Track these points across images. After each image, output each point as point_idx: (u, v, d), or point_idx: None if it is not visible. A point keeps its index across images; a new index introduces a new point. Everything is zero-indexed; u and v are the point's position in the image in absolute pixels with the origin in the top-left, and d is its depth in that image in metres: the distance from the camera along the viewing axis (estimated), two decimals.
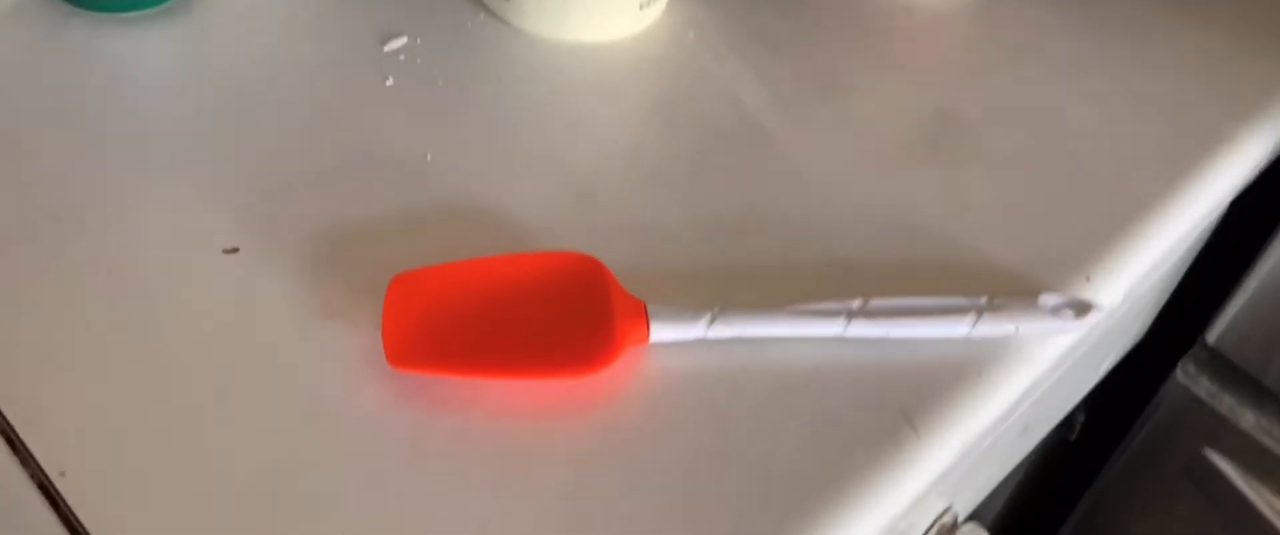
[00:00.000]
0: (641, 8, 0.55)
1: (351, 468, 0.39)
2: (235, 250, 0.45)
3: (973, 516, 0.97)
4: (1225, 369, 0.72)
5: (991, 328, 0.44)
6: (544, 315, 0.43)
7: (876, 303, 0.44)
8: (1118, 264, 0.48)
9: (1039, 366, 0.45)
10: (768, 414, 0.42)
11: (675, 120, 0.53)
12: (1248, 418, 0.71)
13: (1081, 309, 0.45)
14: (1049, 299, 0.45)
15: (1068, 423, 0.84)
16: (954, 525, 0.56)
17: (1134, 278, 0.49)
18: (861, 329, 0.43)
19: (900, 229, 0.49)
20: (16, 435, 0.38)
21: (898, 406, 0.42)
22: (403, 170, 0.49)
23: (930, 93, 0.55)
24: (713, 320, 0.43)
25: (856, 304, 0.44)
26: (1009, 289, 0.46)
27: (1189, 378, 0.73)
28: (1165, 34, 0.60)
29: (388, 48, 0.54)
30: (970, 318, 0.44)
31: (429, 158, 0.49)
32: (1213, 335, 0.71)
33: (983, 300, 0.44)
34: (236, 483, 0.38)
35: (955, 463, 0.43)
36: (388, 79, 0.52)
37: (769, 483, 0.39)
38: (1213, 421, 0.72)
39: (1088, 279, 0.47)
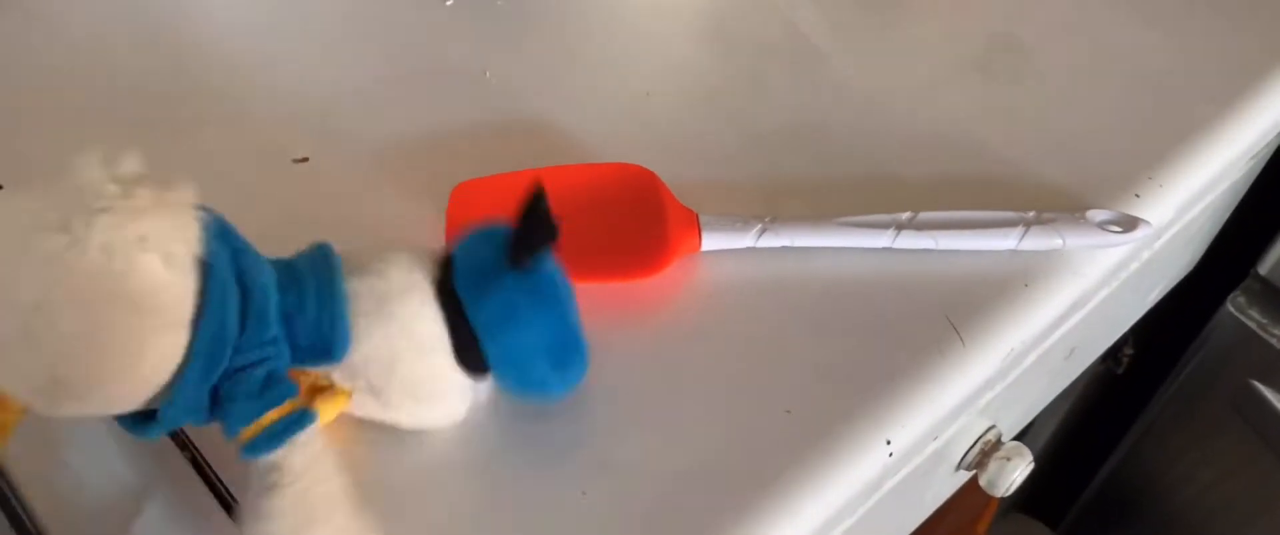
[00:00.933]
0: None
1: None
2: (305, 159, 0.47)
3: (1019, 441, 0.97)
4: (1276, 301, 0.71)
5: (1039, 241, 0.44)
6: (600, 223, 0.44)
7: (925, 215, 0.45)
8: (1168, 183, 0.49)
9: (1086, 281, 0.46)
10: (815, 319, 0.43)
11: (729, 39, 0.54)
12: None
13: (1130, 224, 0.45)
14: (1097, 214, 0.46)
15: (1115, 355, 0.84)
16: (998, 442, 0.57)
17: (1185, 198, 0.50)
18: (909, 241, 0.44)
19: (951, 146, 0.49)
20: None
21: (943, 315, 0.43)
22: (463, 86, 0.50)
23: (984, 14, 0.56)
24: (763, 230, 0.44)
25: (905, 216, 0.45)
26: (1058, 205, 0.47)
27: (1239, 309, 0.73)
28: None
29: None
30: (1018, 231, 0.44)
31: (488, 75, 0.50)
32: (1265, 267, 0.70)
33: (1031, 214, 0.45)
34: None
35: (998, 374, 0.44)
36: (448, 0, 0.54)
37: (817, 384, 0.41)
38: (1262, 353, 0.72)
39: (1137, 196, 0.48)
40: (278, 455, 0.31)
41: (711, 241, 0.44)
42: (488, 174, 0.46)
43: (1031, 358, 0.53)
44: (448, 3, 0.53)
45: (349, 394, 0.35)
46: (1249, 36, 0.55)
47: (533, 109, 0.49)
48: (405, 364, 0.34)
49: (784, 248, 0.44)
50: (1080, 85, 0.52)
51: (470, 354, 0.35)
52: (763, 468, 0.39)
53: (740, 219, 0.45)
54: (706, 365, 0.41)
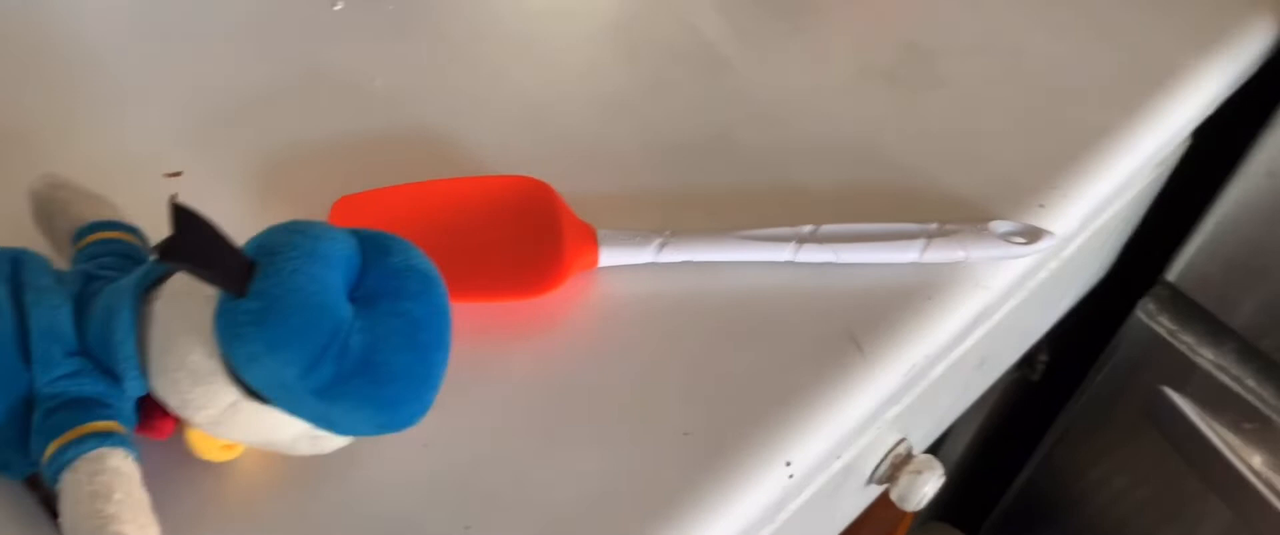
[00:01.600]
0: None
1: None
2: (178, 174, 0.44)
3: (934, 453, 0.98)
4: (1185, 307, 0.72)
5: (942, 253, 0.44)
6: (491, 239, 0.43)
7: (827, 228, 0.44)
8: (1073, 193, 0.48)
9: (990, 293, 0.45)
10: (715, 337, 0.41)
11: (631, 46, 0.52)
12: (1206, 356, 0.71)
13: (1033, 235, 0.45)
14: (1000, 226, 0.45)
15: (1030, 362, 0.85)
16: (908, 456, 0.56)
17: (1090, 207, 0.49)
18: (811, 254, 0.43)
19: (856, 157, 0.48)
20: None
21: (846, 329, 0.42)
22: (351, 95, 0.48)
23: (890, 23, 0.55)
24: (663, 245, 0.43)
25: (807, 229, 0.44)
26: (963, 216, 0.46)
27: (1149, 316, 0.73)
28: None
29: None
30: (920, 243, 0.44)
31: (378, 82, 0.48)
32: (1173, 273, 0.71)
33: (933, 226, 0.44)
34: None
35: (902, 388, 0.43)
36: (337, 4, 0.51)
37: (715, 403, 0.39)
38: (1172, 360, 0.73)
39: (1042, 206, 0.47)
40: (62, 481, 0.31)
41: (609, 257, 0.43)
42: (375, 187, 0.44)
43: (939, 370, 0.53)
44: (336, 6, 0.51)
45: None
46: (1150, 46, 0.55)
47: (424, 118, 0.47)
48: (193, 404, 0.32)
49: (684, 263, 0.43)
50: (985, 95, 0.52)
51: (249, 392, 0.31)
52: (659, 494, 0.37)
53: (640, 233, 0.43)
54: (602, 387, 0.40)
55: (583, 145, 0.47)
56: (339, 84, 0.48)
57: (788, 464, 0.39)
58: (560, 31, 0.52)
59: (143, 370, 0.32)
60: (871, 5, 0.56)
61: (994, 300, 0.45)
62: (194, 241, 0.29)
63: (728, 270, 0.43)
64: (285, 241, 0.30)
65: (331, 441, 0.33)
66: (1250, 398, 0.70)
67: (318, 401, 0.30)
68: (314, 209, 0.42)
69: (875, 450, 0.55)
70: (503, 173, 0.45)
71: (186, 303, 0.30)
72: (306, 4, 0.51)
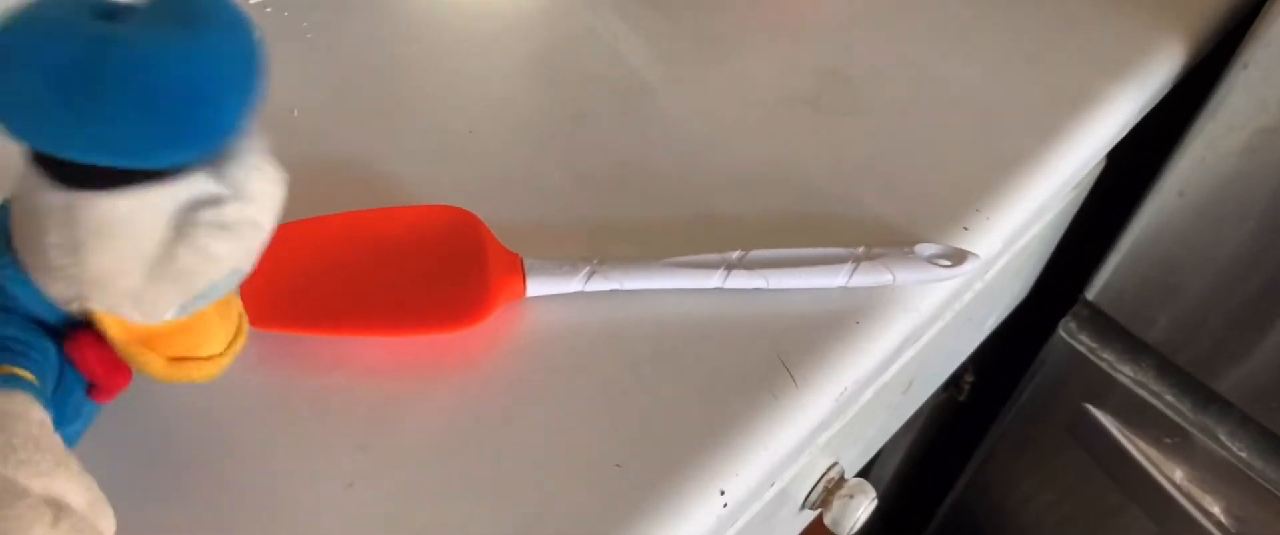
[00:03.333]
0: None
1: (212, 430, 0.37)
2: None
3: (865, 476, 0.98)
4: (1105, 325, 0.73)
5: (869, 277, 0.44)
6: (415, 271, 0.42)
7: (755, 254, 0.44)
8: (994, 216, 0.49)
9: (918, 315, 0.45)
10: (646, 366, 0.41)
11: (555, 75, 0.52)
12: (1126, 372, 0.72)
13: (958, 257, 0.45)
14: (926, 249, 0.45)
15: (957, 383, 0.86)
16: (841, 480, 0.56)
17: (1011, 229, 0.50)
18: (740, 280, 0.43)
19: (781, 183, 0.48)
20: None
21: (776, 356, 0.42)
22: (267, 125, 0.46)
23: (812, 51, 0.55)
24: (591, 274, 0.42)
25: (735, 256, 0.44)
26: (887, 240, 0.46)
27: (1071, 334, 0.74)
28: None
29: (253, 1, 0.51)
30: (847, 267, 0.44)
31: (296, 112, 0.47)
32: (1092, 292, 0.72)
33: (860, 250, 0.45)
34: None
35: (834, 413, 0.43)
36: None
37: (647, 435, 0.39)
38: (1094, 377, 0.74)
39: (965, 229, 0.48)
40: None
41: (536, 287, 0.42)
42: (294, 219, 0.43)
43: (868, 394, 0.53)
44: None
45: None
46: (1064, 72, 0.56)
47: (345, 148, 0.46)
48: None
49: (613, 291, 0.43)
50: (908, 120, 0.52)
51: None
52: (593, 527, 0.37)
53: (567, 262, 0.43)
54: (531, 420, 0.39)
55: (508, 175, 0.47)
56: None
57: (722, 493, 0.38)
58: (484, 60, 0.52)
59: (29, 278, 0.30)
60: (795, 33, 0.56)
61: (922, 322, 0.46)
62: None
63: (657, 299, 0.43)
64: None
65: (209, 241, 0.30)
66: (1169, 412, 0.71)
67: (73, 119, 0.26)
68: None
69: (808, 475, 0.55)
70: (427, 203, 0.44)
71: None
72: None
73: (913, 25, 0.57)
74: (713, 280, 0.43)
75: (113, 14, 0.27)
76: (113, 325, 0.31)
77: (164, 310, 0.30)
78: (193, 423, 0.37)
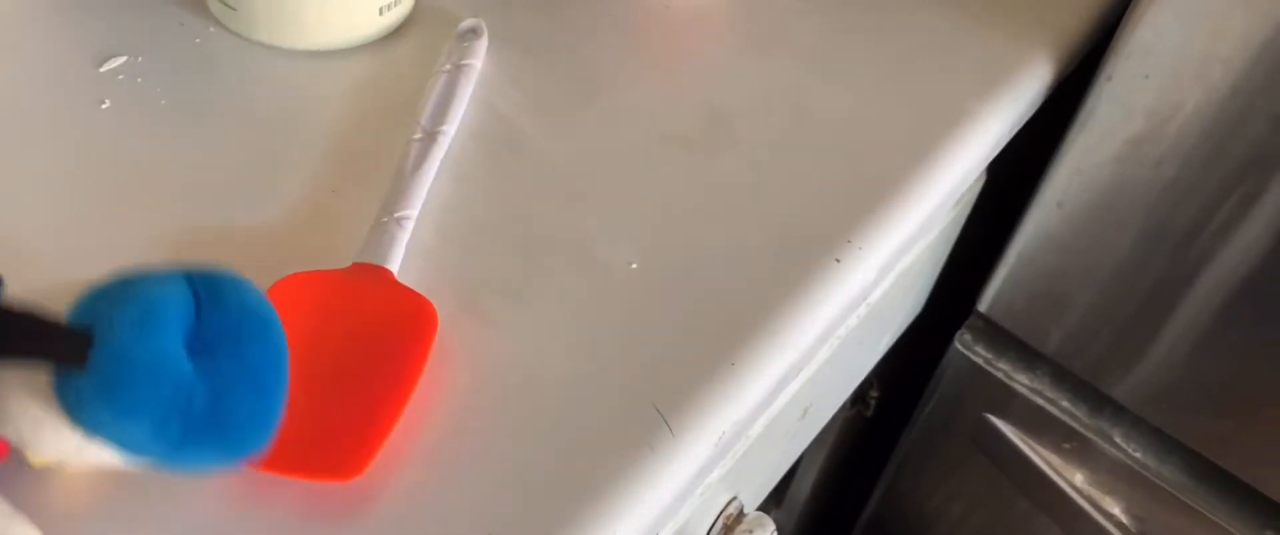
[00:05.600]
0: (382, 12, 0.53)
1: None
2: None
3: (779, 498, 0.98)
4: (999, 336, 0.74)
5: None
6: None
7: None
8: (867, 245, 0.49)
9: (794, 352, 0.45)
10: (516, 424, 0.40)
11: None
12: (1022, 381, 0.73)
13: None
14: None
15: (862, 399, 0.86)
16: (739, 516, 0.56)
17: (886, 257, 0.50)
18: None
19: (658, 224, 0.48)
20: None
21: (651, 404, 0.41)
22: (119, 196, 0.45)
23: (688, 87, 0.55)
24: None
25: None
26: (764, 278, 0.46)
27: (966, 347, 0.75)
28: (909, 16, 0.61)
29: (104, 68, 0.50)
30: None
31: (147, 181, 0.46)
32: (984, 304, 0.73)
33: None
34: None
35: (715, 457, 0.43)
36: (104, 102, 0.49)
37: (524, 501, 0.38)
38: (992, 388, 0.75)
39: (837, 261, 0.48)
40: None
41: None
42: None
43: (759, 427, 0.53)
44: (104, 105, 0.49)
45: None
46: (934, 94, 0.56)
47: (201, 217, 0.45)
48: None
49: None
50: (780, 153, 0.52)
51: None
52: None
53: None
54: (394, 492, 0.38)
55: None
56: (105, 187, 0.45)
57: None
58: (349, 118, 0.51)
59: None
60: (668, 70, 0.56)
61: (799, 358, 0.46)
62: (19, 334, 0.29)
63: (528, 352, 0.42)
64: (117, 308, 0.31)
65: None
66: (1066, 419, 0.72)
67: (166, 452, 0.31)
68: None
69: (705, 514, 0.55)
70: (296, 261, 0.43)
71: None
72: (70, 105, 0.49)
73: (786, 57, 0.57)
74: None
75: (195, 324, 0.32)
76: None
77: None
78: None
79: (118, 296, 0.31)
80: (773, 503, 1.00)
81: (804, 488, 0.95)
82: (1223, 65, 0.55)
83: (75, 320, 0.30)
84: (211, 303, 0.32)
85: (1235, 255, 0.60)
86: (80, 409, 0.30)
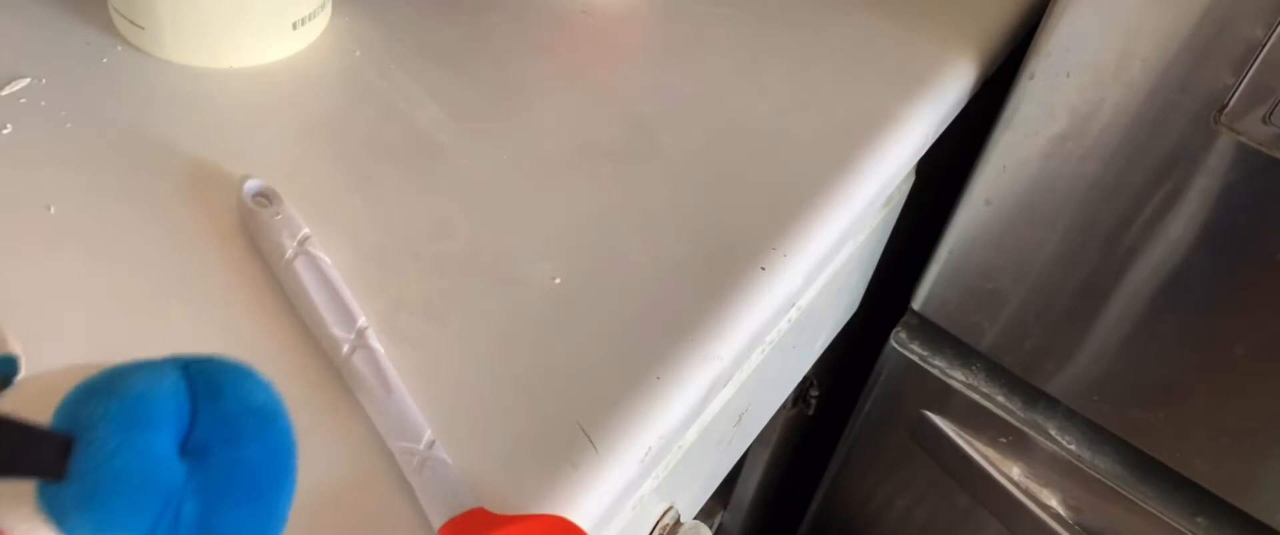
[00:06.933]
0: (296, 27, 0.52)
1: None
2: None
3: (725, 498, 0.98)
4: (933, 333, 0.75)
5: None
6: None
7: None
8: (793, 252, 0.49)
9: (719, 363, 0.45)
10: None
11: (340, 143, 0.50)
12: (957, 378, 0.74)
13: None
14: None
15: (803, 398, 0.86)
16: (676, 525, 0.56)
17: (812, 263, 0.50)
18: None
19: (579, 238, 0.47)
20: None
21: (575, 422, 0.41)
22: (19, 226, 0.44)
23: (608, 96, 0.55)
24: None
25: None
26: (689, 289, 0.46)
27: (902, 344, 0.75)
28: (832, 20, 0.61)
29: (6, 92, 0.48)
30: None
31: (52, 210, 0.44)
32: (918, 302, 0.73)
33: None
34: None
35: (642, 472, 0.42)
36: (5, 127, 0.47)
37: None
38: (929, 384, 0.75)
39: (763, 269, 0.48)
40: None
41: None
42: (56, 346, 0.40)
43: (692, 435, 0.52)
44: (5, 130, 0.47)
45: None
46: (857, 98, 0.56)
47: (109, 245, 0.44)
48: None
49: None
50: (703, 161, 0.52)
51: None
52: None
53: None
54: (308, 526, 0.37)
55: None
56: (18, 215, 0.44)
57: None
58: (262, 137, 0.50)
59: None
60: (591, 80, 0.56)
61: (725, 369, 0.45)
62: (3, 446, 0.26)
63: (451, 368, 0.42)
64: (102, 410, 0.28)
65: None
66: (1002, 413, 0.73)
67: None
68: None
69: (641, 524, 0.54)
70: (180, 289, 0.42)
71: None
72: None
73: (709, 65, 0.57)
74: None
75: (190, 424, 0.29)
76: None
77: None
78: None
79: (104, 392, 0.29)
80: (719, 503, 1.00)
81: (750, 487, 0.95)
82: (1141, 63, 0.56)
83: (58, 422, 0.28)
84: (209, 397, 0.29)
85: (1162, 250, 0.61)
86: (64, 520, 0.28)
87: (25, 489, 0.28)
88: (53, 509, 0.27)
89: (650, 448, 0.42)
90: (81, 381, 0.29)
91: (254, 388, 0.30)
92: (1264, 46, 0.51)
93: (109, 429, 0.28)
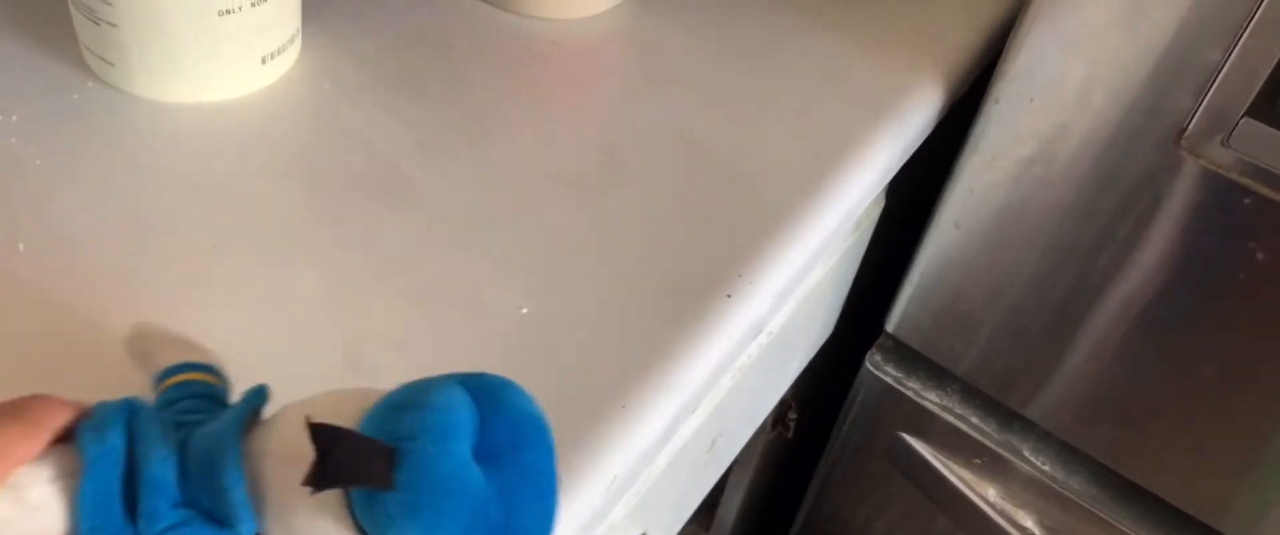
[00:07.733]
0: (265, 61, 0.52)
1: None
2: None
3: (707, 521, 0.98)
4: (908, 356, 0.75)
5: None
6: None
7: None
8: (759, 278, 0.49)
9: (685, 392, 0.45)
10: None
11: (310, 174, 0.50)
12: (932, 400, 0.74)
13: None
14: None
15: (782, 421, 0.87)
16: None
17: (778, 289, 0.50)
18: None
19: (547, 268, 0.48)
20: None
21: None
22: None
23: (575, 124, 0.55)
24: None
25: None
26: (651, 313, 0.46)
27: (877, 367, 0.76)
28: (798, 46, 0.62)
29: None
30: None
31: (21, 247, 0.45)
32: (892, 324, 0.74)
33: None
34: None
35: (610, 499, 0.43)
36: None
37: None
38: (904, 406, 0.76)
39: (729, 297, 0.48)
40: None
41: None
42: (25, 373, 0.40)
43: (661, 463, 0.53)
44: None
45: None
46: (823, 124, 0.57)
47: (77, 284, 0.44)
48: None
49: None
50: (670, 189, 0.52)
51: None
52: None
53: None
54: None
55: (262, 285, 0.45)
56: None
57: None
58: (233, 171, 0.50)
59: (256, 515, 0.31)
60: (559, 108, 0.56)
61: (691, 397, 0.46)
62: (338, 458, 0.28)
63: None
64: (419, 422, 0.30)
65: None
66: (976, 435, 0.73)
67: None
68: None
69: None
70: (167, 330, 0.42)
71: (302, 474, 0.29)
72: None
73: (675, 92, 0.58)
74: None
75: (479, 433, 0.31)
76: None
77: None
78: None
79: (413, 407, 0.30)
80: (701, 526, 1.01)
81: (731, 510, 0.96)
82: (1103, 88, 0.56)
83: (372, 435, 0.30)
84: (493, 407, 0.31)
85: (1133, 273, 0.61)
86: (385, 530, 0.29)
87: (321, 503, 0.29)
88: (369, 519, 0.29)
89: (616, 476, 0.42)
90: (382, 398, 0.30)
91: (522, 397, 0.33)
92: (1221, 70, 0.52)
93: (428, 439, 0.29)
